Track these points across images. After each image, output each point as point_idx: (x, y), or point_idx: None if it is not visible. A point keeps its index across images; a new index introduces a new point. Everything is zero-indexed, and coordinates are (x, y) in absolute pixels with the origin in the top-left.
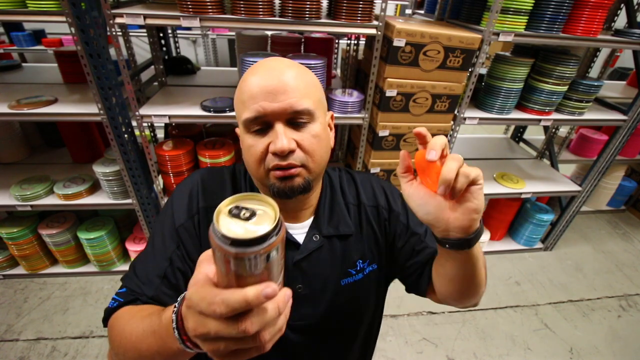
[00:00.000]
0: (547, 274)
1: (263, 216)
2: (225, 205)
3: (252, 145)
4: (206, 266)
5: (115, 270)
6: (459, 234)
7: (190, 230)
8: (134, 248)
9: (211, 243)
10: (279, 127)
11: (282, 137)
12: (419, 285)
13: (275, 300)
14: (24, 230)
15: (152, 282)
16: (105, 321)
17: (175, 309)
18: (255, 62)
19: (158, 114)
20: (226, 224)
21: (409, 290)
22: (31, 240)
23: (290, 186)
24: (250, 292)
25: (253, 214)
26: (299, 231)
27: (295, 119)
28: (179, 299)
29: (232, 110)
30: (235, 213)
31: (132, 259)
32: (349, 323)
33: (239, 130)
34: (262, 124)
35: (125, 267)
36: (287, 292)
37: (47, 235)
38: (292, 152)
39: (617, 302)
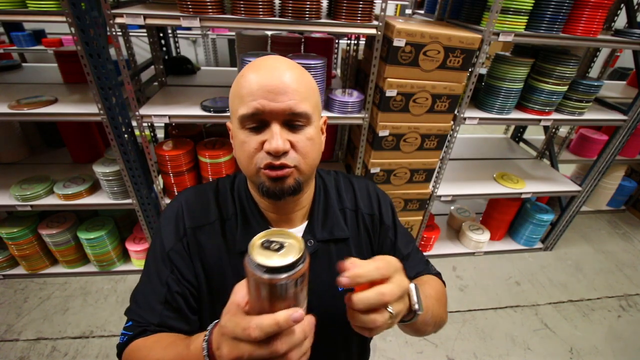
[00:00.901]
0: (547, 274)
1: (290, 248)
2: (258, 239)
3: (245, 141)
4: (237, 296)
5: (115, 270)
6: None
7: (181, 252)
8: (134, 248)
9: (246, 272)
10: (275, 127)
11: (278, 137)
12: None
13: (302, 324)
14: (24, 230)
15: (155, 309)
16: (119, 356)
17: (206, 337)
18: None
19: (158, 114)
20: (259, 255)
21: None
22: (31, 240)
23: (280, 187)
24: (281, 316)
25: (282, 246)
26: None
27: (292, 121)
28: (209, 327)
29: None
30: (266, 246)
31: (132, 259)
32: (347, 329)
33: (230, 124)
34: (259, 122)
35: (126, 267)
36: (311, 320)
37: (47, 235)
38: (285, 152)
39: (617, 302)
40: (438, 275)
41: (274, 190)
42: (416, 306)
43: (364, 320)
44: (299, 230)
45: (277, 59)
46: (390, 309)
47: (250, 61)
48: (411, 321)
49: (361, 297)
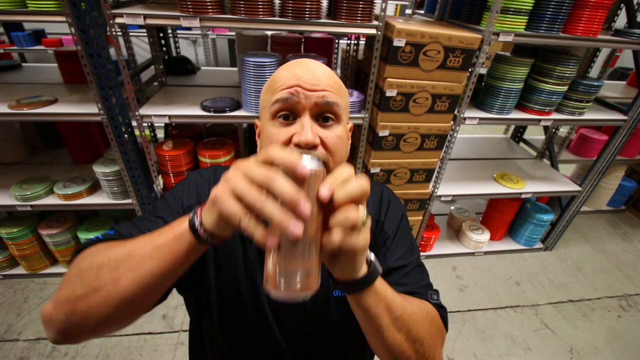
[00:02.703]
0: (547, 274)
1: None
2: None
3: (273, 133)
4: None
5: None
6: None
7: None
8: None
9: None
10: (306, 120)
11: (308, 130)
12: None
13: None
14: (24, 230)
15: (142, 232)
16: (73, 257)
17: (194, 210)
18: (255, 62)
19: (158, 114)
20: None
21: None
22: (31, 240)
23: None
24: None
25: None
26: None
27: (324, 113)
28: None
29: (232, 110)
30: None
31: None
32: (342, 335)
33: (258, 122)
34: (291, 112)
35: None
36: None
37: (47, 235)
38: (315, 147)
39: (617, 302)
40: (439, 307)
41: None
42: (371, 257)
43: (342, 216)
44: None
45: (311, 59)
46: (362, 209)
47: (250, 61)
48: (366, 284)
49: (344, 189)
